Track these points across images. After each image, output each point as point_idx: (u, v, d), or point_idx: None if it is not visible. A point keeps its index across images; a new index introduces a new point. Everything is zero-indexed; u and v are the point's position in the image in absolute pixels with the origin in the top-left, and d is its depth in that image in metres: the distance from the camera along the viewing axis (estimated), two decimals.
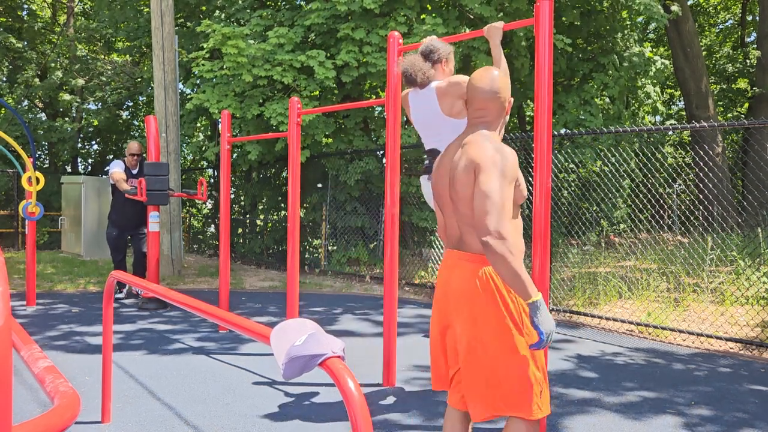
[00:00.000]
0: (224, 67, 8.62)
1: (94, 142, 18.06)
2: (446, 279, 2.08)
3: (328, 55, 9.13)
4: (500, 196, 1.86)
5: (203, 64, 8.84)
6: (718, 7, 20.72)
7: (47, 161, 17.01)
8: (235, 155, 10.55)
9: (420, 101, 3.28)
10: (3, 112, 15.96)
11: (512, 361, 1.93)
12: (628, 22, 11.69)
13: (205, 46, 8.66)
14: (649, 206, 8.87)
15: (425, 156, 3.37)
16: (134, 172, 6.76)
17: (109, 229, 6.80)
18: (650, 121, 18.16)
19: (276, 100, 8.94)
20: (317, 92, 9.26)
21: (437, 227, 2.33)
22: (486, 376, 1.94)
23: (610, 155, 9.64)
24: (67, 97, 15.17)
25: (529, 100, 12.76)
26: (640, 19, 11.02)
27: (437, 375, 2.17)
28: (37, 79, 15.71)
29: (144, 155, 7.51)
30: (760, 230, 7.76)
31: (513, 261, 1.81)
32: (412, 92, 3.35)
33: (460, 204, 1.99)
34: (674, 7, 10.26)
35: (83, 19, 17.82)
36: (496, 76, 2.07)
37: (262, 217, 12.71)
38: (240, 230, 12.92)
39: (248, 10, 10.41)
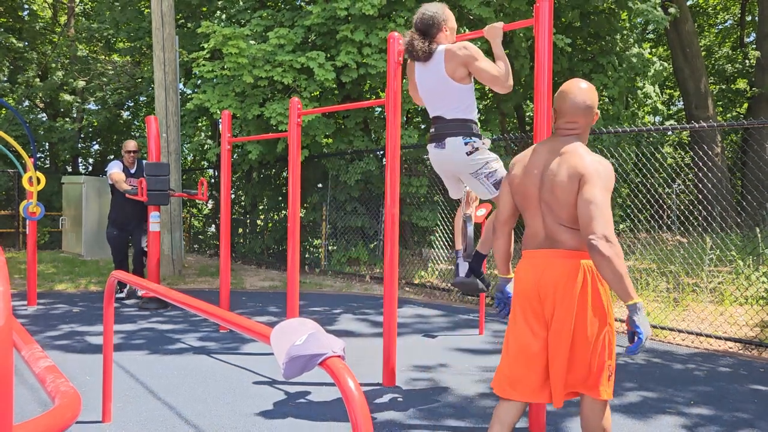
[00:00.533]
0: (225, 67, 8.62)
1: (94, 142, 18.06)
2: (537, 278, 2.16)
3: (328, 56, 9.13)
4: (605, 204, 2.04)
5: (204, 65, 8.85)
6: (718, 8, 20.73)
7: (48, 161, 17.02)
8: (235, 155, 10.56)
9: (426, 70, 3.24)
10: (4, 112, 15.96)
11: (607, 348, 2.11)
12: (627, 24, 11.69)
13: (205, 46, 8.66)
14: (648, 206, 8.87)
15: (432, 126, 3.32)
16: (132, 170, 6.75)
17: (109, 229, 6.79)
18: (650, 121, 18.16)
19: (276, 100, 8.95)
20: (317, 92, 9.26)
21: (498, 219, 2.43)
22: (589, 361, 2.09)
23: (609, 155, 9.64)
24: (67, 97, 15.18)
25: (528, 101, 12.76)
26: (639, 20, 11.01)
27: (515, 378, 2.18)
28: (37, 80, 15.71)
29: (145, 155, 7.51)
30: (758, 230, 7.77)
31: (618, 263, 1.96)
32: (418, 64, 3.32)
33: (558, 207, 2.15)
34: (672, 10, 10.26)
35: (84, 19, 17.82)
36: (586, 89, 2.23)
37: (262, 217, 12.72)
38: (240, 230, 12.92)
39: (248, 11, 10.41)
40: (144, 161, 6.70)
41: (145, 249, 6.68)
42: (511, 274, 2.46)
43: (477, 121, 3.26)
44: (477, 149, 3.15)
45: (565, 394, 2.15)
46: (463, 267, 3.39)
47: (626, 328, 2.10)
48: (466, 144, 3.14)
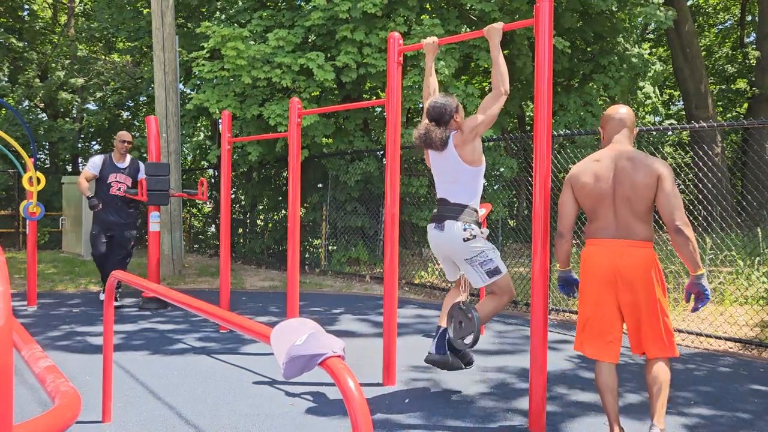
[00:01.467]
0: (224, 68, 8.62)
1: (94, 142, 18.06)
2: (614, 263, 2.69)
3: (329, 56, 9.13)
4: (679, 196, 2.63)
5: (203, 65, 8.85)
6: (718, 8, 20.73)
7: (48, 161, 17.02)
8: (235, 155, 10.56)
9: (441, 158, 3.35)
10: (4, 112, 15.96)
11: (668, 315, 2.71)
12: (627, 25, 11.69)
13: (205, 46, 8.66)
14: None
15: (436, 206, 3.43)
16: (122, 165, 6.13)
17: (92, 228, 6.29)
18: (650, 121, 18.16)
19: (275, 101, 8.95)
20: (317, 93, 9.26)
21: (564, 226, 2.92)
22: (663, 325, 2.68)
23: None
24: (67, 96, 15.18)
25: (529, 101, 12.76)
26: (639, 20, 11.02)
27: (603, 345, 2.75)
28: (37, 80, 15.71)
29: (144, 155, 7.47)
30: (759, 230, 7.77)
31: (694, 242, 2.62)
32: (432, 151, 3.40)
33: (638, 202, 2.67)
34: (670, 13, 10.27)
35: (84, 19, 17.83)
36: (629, 111, 2.90)
37: (262, 217, 12.72)
38: (240, 230, 12.92)
39: (248, 11, 10.41)
40: (142, 161, 6.68)
41: (127, 261, 6.16)
42: (570, 266, 3.03)
43: (477, 209, 3.35)
44: (474, 237, 3.25)
45: (635, 350, 2.76)
46: (440, 342, 3.42)
47: (693, 291, 2.68)
48: (464, 230, 3.24)
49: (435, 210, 3.42)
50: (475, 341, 3.26)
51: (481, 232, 3.30)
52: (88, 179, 6.06)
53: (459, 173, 3.29)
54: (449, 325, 3.38)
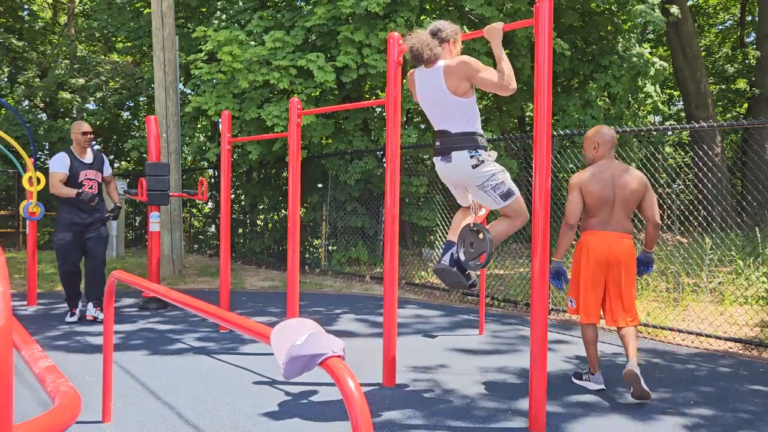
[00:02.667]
0: (221, 70, 8.62)
1: (94, 142, 18.06)
2: (611, 248, 3.54)
3: (329, 56, 9.13)
4: (656, 199, 3.70)
5: (201, 67, 8.85)
6: (718, 8, 20.73)
7: (48, 161, 17.01)
8: (235, 155, 10.57)
9: (427, 80, 3.26)
10: (4, 112, 15.96)
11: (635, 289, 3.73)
12: (626, 25, 11.69)
13: (203, 48, 8.66)
14: None
15: (436, 139, 3.33)
16: (88, 161, 5.40)
17: (59, 235, 5.29)
18: (650, 122, 18.17)
19: (274, 101, 8.95)
20: (316, 93, 9.26)
21: (572, 219, 3.63)
22: (633, 297, 3.60)
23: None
24: (67, 95, 15.18)
25: (529, 101, 12.76)
26: (639, 19, 11.02)
27: (594, 311, 3.62)
28: (37, 80, 15.71)
29: (144, 155, 7.37)
30: (758, 230, 7.77)
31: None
32: (419, 71, 3.33)
33: (630, 205, 3.60)
34: (674, 9, 10.25)
35: (83, 19, 17.83)
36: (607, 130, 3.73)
37: (262, 217, 12.72)
38: (240, 230, 12.92)
39: (248, 11, 10.41)
40: (141, 161, 6.61)
41: (103, 259, 5.43)
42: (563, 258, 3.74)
43: (482, 132, 3.28)
44: (482, 162, 3.19)
45: (610, 323, 3.63)
46: (448, 255, 3.39)
47: (647, 262, 3.76)
48: (471, 157, 3.18)
49: (437, 142, 3.31)
50: (487, 261, 3.24)
51: (489, 155, 3.22)
52: (62, 181, 5.28)
53: (451, 105, 3.20)
54: (460, 248, 3.34)
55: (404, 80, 3.61)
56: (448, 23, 3.33)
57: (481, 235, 3.25)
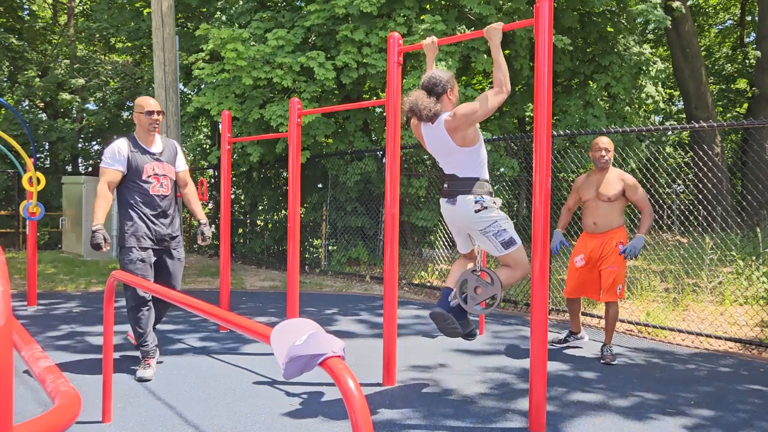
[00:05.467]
0: (224, 69, 8.61)
1: (94, 142, 18.06)
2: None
3: (329, 56, 9.12)
4: None
5: (202, 67, 8.85)
6: (718, 8, 20.73)
7: (48, 161, 17.01)
8: (235, 156, 10.57)
9: (433, 135, 3.33)
10: (3, 112, 15.97)
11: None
12: (628, 26, 11.69)
13: (204, 48, 8.65)
14: None
15: (445, 182, 3.40)
16: (154, 149, 3.95)
17: (125, 252, 3.80)
18: (651, 122, 18.17)
19: (276, 101, 8.95)
20: (318, 92, 9.26)
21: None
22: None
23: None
24: (67, 96, 15.18)
25: (529, 102, 12.75)
26: (639, 19, 11.01)
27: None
28: (37, 80, 15.72)
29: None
30: (759, 230, 7.77)
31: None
32: (424, 125, 3.38)
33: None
34: (676, 4, 10.21)
35: (83, 19, 17.83)
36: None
37: (262, 217, 12.72)
38: (240, 230, 12.92)
39: (249, 12, 10.40)
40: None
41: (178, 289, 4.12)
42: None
43: (488, 178, 3.34)
44: (486, 207, 3.24)
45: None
46: (444, 301, 3.41)
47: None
48: (476, 202, 3.24)
49: (446, 185, 3.38)
50: (498, 302, 3.27)
51: (494, 202, 3.27)
52: (112, 183, 3.82)
53: (457, 155, 3.27)
54: (458, 291, 3.35)
55: (404, 80, 3.60)
56: (440, 72, 3.33)
57: (488, 279, 3.27)
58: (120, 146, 3.90)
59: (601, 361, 4.31)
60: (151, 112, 3.95)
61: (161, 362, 4.20)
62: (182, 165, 4.16)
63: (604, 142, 4.37)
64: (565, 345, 4.84)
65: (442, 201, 3.40)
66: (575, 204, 4.60)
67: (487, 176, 3.33)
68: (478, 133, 3.29)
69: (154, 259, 3.91)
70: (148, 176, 3.91)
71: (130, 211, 3.88)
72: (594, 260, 4.37)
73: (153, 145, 4.01)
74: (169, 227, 3.99)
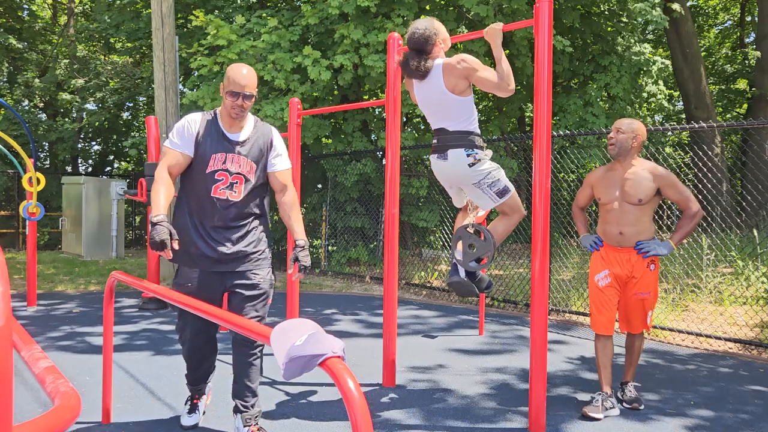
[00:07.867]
0: (217, 62, 8.61)
1: (94, 142, 18.06)
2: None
3: (327, 56, 9.11)
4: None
5: (199, 59, 8.85)
6: (717, 8, 20.73)
7: (48, 161, 17.02)
8: None
9: (425, 86, 3.27)
10: (3, 112, 15.97)
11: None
12: (627, 24, 11.69)
13: (204, 41, 8.66)
14: None
15: (434, 137, 3.33)
16: (236, 137, 2.80)
17: (177, 271, 2.96)
18: (651, 122, 18.17)
19: (270, 100, 8.94)
20: (315, 93, 9.25)
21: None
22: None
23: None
24: (66, 96, 15.18)
25: (529, 102, 12.76)
26: (639, 20, 11.01)
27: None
28: (37, 80, 15.72)
29: (144, 156, 7.16)
30: (756, 231, 7.77)
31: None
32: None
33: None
34: (676, 6, 10.22)
35: (83, 19, 17.83)
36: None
37: None
38: None
39: (249, 12, 10.40)
40: (141, 161, 6.44)
41: (259, 354, 2.96)
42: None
43: (479, 132, 3.28)
44: (479, 160, 3.19)
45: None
46: (460, 268, 3.39)
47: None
48: (468, 156, 3.18)
49: (435, 140, 3.31)
50: (489, 261, 3.25)
51: (485, 154, 3.23)
52: (172, 167, 2.77)
53: (448, 104, 3.19)
54: (455, 249, 3.34)
55: (404, 81, 3.59)
56: (422, 23, 3.25)
57: (482, 236, 3.25)
58: (191, 122, 2.81)
59: (627, 406, 3.37)
60: (236, 95, 2.73)
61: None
62: (281, 163, 2.94)
63: (620, 122, 3.41)
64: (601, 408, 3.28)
65: (433, 158, 3.32)
66: (588, 201, 3.64)
67: (477, 129, 3.26)
68: (471, 89, 3.22)
69: (218, 283, 2.86)
70: (214, 170, 2.76)
71: (184, 218, 2.84)
72: (622, 281, 3.36)
73: (236, 130, 2.84)
74: (237, 244, 2.83)
